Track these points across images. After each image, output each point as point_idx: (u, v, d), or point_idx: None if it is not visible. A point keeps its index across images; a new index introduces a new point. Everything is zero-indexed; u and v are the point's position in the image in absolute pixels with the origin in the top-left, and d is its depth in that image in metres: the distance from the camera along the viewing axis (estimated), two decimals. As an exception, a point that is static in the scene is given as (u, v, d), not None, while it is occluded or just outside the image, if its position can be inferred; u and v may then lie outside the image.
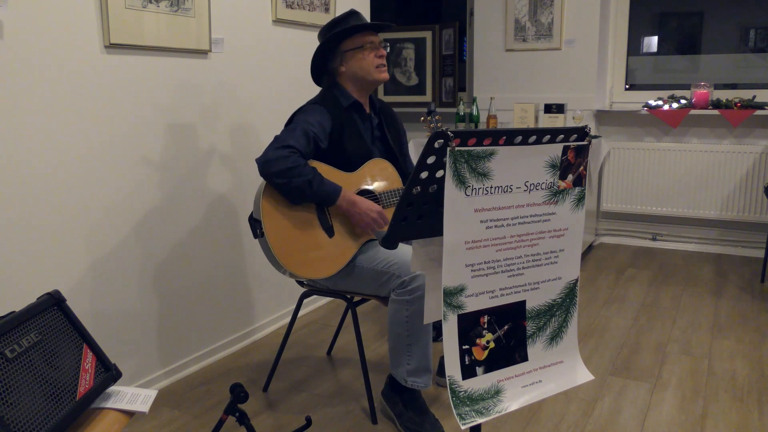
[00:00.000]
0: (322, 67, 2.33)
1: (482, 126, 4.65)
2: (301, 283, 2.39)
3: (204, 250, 2.72)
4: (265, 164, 2.06)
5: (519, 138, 1.23)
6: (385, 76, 2.29)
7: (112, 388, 1.54)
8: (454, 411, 1.26)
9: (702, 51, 4.65)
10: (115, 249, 2.33)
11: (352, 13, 2.27)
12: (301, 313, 3.29)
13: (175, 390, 2.54)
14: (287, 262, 2.09)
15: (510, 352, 1.35)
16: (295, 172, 2.05)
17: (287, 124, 2.21)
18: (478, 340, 1.30)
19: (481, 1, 4.71)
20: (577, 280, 1.41)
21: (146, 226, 2.44)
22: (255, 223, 2.13)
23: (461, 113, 4.58)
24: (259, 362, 2.78)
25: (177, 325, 2.62)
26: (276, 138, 2.12)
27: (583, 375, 1.44)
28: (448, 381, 1.27)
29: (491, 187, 1.23)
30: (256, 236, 2.14)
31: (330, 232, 2.18)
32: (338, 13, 3.31)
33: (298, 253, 2.12)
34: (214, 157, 2.73)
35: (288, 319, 3.19)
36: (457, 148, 1.17)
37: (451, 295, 1.24)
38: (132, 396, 1.52)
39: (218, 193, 2.77)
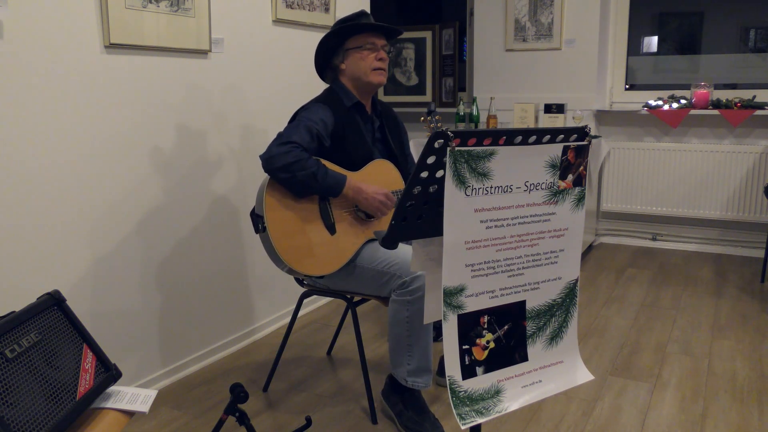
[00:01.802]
0: (326, 61, 2.34)
1: (482, 126, 4.65)
2: (301, 283, 2.39)
3: (204, 250, 2.72)
4: (269, 160, 2.07)
5: (519, 138, 1.23)
6: (381, 79, 2.27)
7: (112, 388, 1.54)
8: (454, 411, 1.26)
9: (702, 51, 4.65)
10: (115, 249, 2.33)
11: (363, 14, 2.28)
12: (301, 313, 3.29)
13: (175, 390, 2.54)
14: (288, 257, 2.10)
15: (510, 352, 1.34)
16: (298, 166, 2.05)
17: (290, 122, 2.22)
18: (478, 340, 1.30)
19: (481, 1, 4.71)
20: (577, 280, 1.41)
21: (146, 226, 2.44)
22: (257, 218, 2.14)
23: (461, 113, 4.58)
24: (259, 362, 2.78)
25: (177, 324, 2.62)
26: (279, 134, 2.13)
27: (583, 375, 1.44)
28: (448, 381, 1.26)
29: (491, 187, 1.23)
30: (257, 231, 2.14)
31: (332, 229, 2.18)
32: (338, 14, 3.32)
33: (299, 249, 2.12)
34: (215, 157, 2.73)
35: (288, 319, 3.19)
36: (457, 148, 1.17)
37: (451, 295, 1.24)
38: (132, 396, 1.52)
39: (218, 193, 2.77)
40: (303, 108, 2.25)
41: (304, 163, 2.06)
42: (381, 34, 2.28)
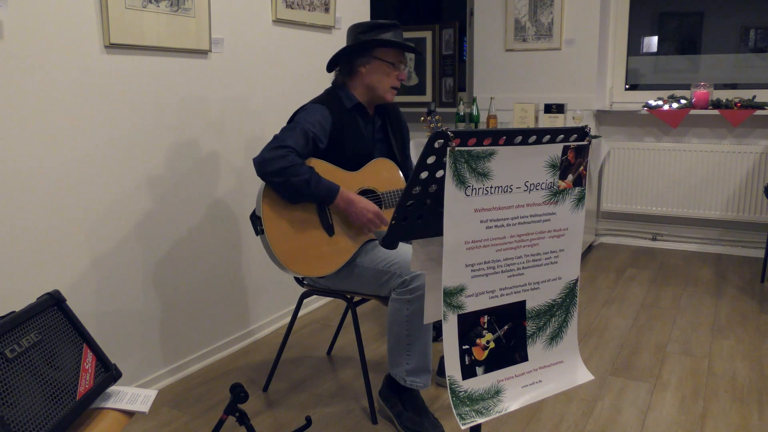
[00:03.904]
0: (346, 57, 2.30)
1: (482, 126, 4.65)
2: (301, 283, 2.39)
3: (204, 250, 2.72)
4: (261, 164, 2.06)
5: (519, 138, 1.23)
6: (393, 98, 2.32)
7: (112, 388, 1.54)
8: (454, 411, 1.26)
9: (702, 51, 4.65)
10: (115, 249, 2.33)
11: (397, 26, 2.27)
12: (301, 313, 3.29)
13: (175, 390, 2.54)
14: (286, 259, 2.10)
15: (510, 352, 1.34)
16: (291, 172, 2.05)
17: (289, 122, 2.22)
18: (478, 340, 1.30)
19: (481, 1, 4.71)
20: (577, 280, 1.41)
21: (146, 226, 2.44)
22: (256, 220, 2.14)
23: (461, 113, 4.58)
24: (259, 362, 2.78)
25: (177, 325, 2.62)
26: (275, 137, 2.12)
27: (583, 375, 1.44)
28: (448, 381, 1.27)
29: (491, 187, 1.23)
30: (257, 233, 2.15)
31: (330, 230, 2.18)
32: (338, 13, 3.33)
33: (297, 251, 2.12)
34: (214, 157, 2.73)
35: (288, 319, 3.19)
36: (457, 148, 1.17)
37: (451, 295, 1.24)
38: (132, 396, 1.52)
39: (219, 193, 2.77)
40: (301, 109, 2.24)
41: (297, 169, 2.06)
42: (403, 52, 2.30)
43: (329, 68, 2.36)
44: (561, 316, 1.40)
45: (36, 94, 2.02)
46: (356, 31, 2.27)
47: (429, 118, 2.50)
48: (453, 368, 1.27)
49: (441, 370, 2.55)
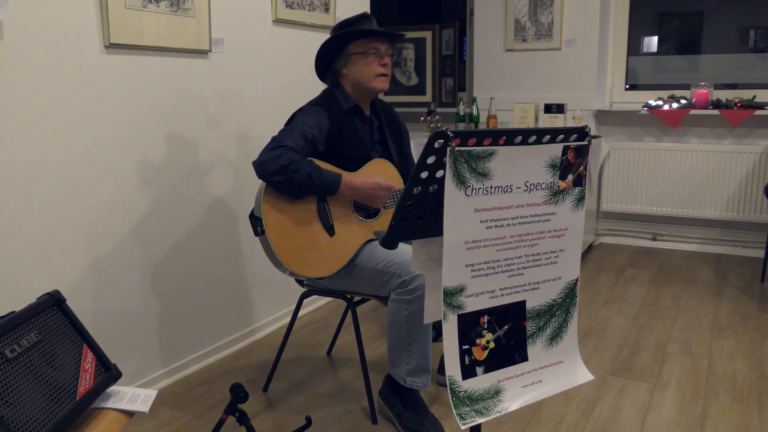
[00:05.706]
0: (327, 64, 2.33)
1: (482, 126, 4.65)
2: (301, 283, 2.39)
3: (204, 250, 2.72)
4: (261, 165, 2.06)
5: (519, 138, 1.23)
6: (384, 86, 2.27)
7: (112, 388, 1.54)
8: (454, 411, 1.26)
9: (702, 51, 4.65)
10: (115, 249, 2.33)
11: (365, 17, 2.26)
12: (301, 313, 3.29)
13: (175, 390, 2.54)
14: (287, 260, 2.09)
15: (510, 352, 1.34)
16: (292, 168, 2.04)
17: (287, 124, 2.22)
18: (478, 340, 1.30)
19: (481, 1, 4.71)
20: (577, 280, 1.41)
21: (146, 226, 2.44)
22: (256, 221, 2.13)
23: (461, 113, 4.58)
24: (259, 362, 2.78)
25: (177, 325, 2.62)
26: (273, 139, 2.12)
27: (583, 375, 1.44)
28: (448, 381, 1.27)
29: (491, 187, 1.23)
30: (256, 234, 2.14)
31: (330, 231, 2.18)
32: (338, 13, 3.32)
33: (298, 252, 2.12)
34: (214, 157, 2.73)
35: (288, 319, 3.19)
36: (457, 148, 1.17)
37: (451, 295, 1.24)
38: (132, 396, 1.53)
39: (218, 193, 2.77)
40: (299, 111, 2.24)
41: (298, 165, 2.05)
42: (384, 38, 2.27)
43: (321, 78, 2.37)
44: (561, 316, 1.40)
45: (36, 93, 2.02)
46: (330, 35, 2.28)
47: (429, 118, 2.50)
48: (453, 368, 1.27)
49: (441, 368, 2.55)
